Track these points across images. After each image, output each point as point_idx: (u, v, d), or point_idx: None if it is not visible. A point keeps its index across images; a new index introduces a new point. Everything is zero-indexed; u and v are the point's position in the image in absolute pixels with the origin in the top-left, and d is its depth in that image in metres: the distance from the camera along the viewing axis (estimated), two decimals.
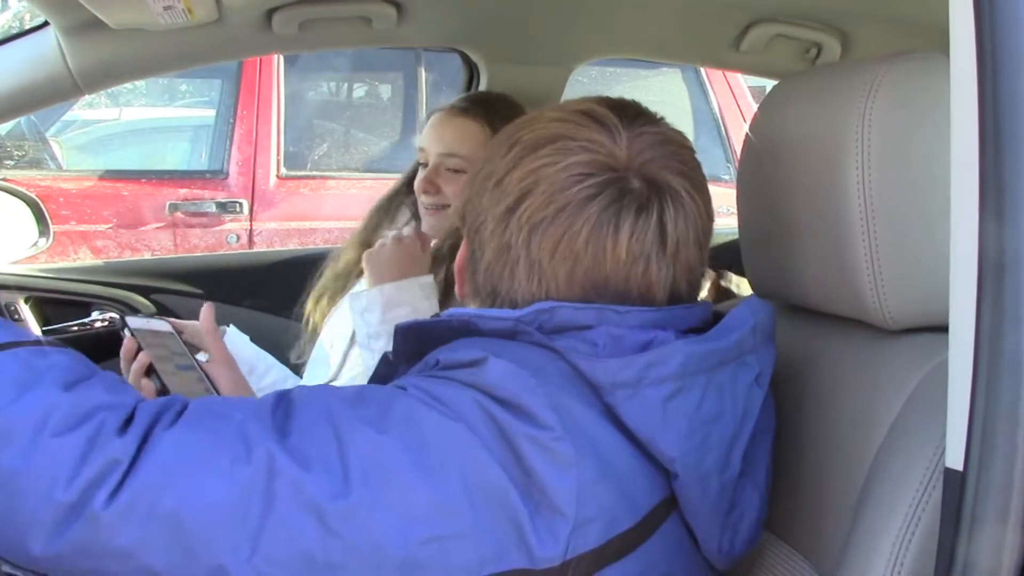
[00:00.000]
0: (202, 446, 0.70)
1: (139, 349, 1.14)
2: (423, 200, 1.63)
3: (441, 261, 1.58)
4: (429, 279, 1.51)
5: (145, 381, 1.21)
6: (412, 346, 0.90)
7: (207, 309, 1.31)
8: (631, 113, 0.87)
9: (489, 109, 1.64)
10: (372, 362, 1.46)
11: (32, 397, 0.69)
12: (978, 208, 0.61)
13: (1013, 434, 0.60)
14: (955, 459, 0.63)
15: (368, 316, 1.47)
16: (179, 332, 1.45)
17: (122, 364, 1.22)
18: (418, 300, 1.47)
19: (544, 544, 0.71)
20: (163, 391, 1.18)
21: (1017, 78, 0.61)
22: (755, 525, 0.85)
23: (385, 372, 0.98)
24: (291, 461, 0.69)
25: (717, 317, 0.88)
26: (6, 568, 0.76)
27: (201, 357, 1.54)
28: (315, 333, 1.71)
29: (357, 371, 1.55)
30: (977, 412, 0.61)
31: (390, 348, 1.43)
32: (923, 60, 0.89)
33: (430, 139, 1.64)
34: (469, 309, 0.87)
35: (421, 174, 1.64)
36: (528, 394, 0.74)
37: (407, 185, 1.74)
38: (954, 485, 0.63)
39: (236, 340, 1.62)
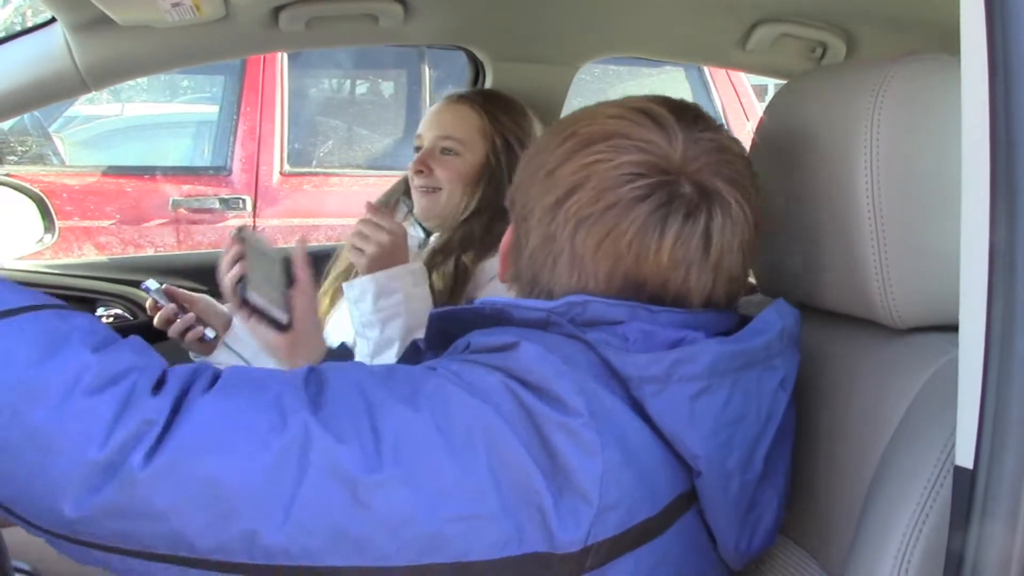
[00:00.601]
0: (240, 412, 0.70)
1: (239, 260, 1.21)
2: (416, 182, 1.64)
3: (450, 252, 1.58)
4: (418, 265, 1.52)
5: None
6: (442, 334, 0.91)
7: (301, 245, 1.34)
8: (690, 116, 0.87)
9: (488, 99, 1.67)
10: (367, 351, 1.48)
11: (62, 357, 0.69)
12: (989, 207, 0.61)
13: None
14: (965, 457, 0.63)
15: (361, 305, 1.48)
16: (191, 304, 1.60)
17: (223, 267, 1.27)
18: (409, 287, 1.48)
19: (566, 528, 0.71)
20: (245, 304, 1.23)
21: None
22: (772, 527, 0.86)
23: (413, 359, 0.99)
24: (326, 432, 0.70)
25: (743, 320, 0.89)
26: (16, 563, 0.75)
27: (209, 333, 1.61)
28: None
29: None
30: (987, 410, 0.62)
31: (383, 336, 1.46)
32: (931, 61, 0.89)
33: (427, 125, 1.67)
34: (502, 298, 0.87)
35: (415, 157, 1.67)
36: (558, 379, 0.74)
37: (405, 181, 1.75)
38: (964, 483, 0.64)
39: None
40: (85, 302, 2.12)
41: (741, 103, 4.14)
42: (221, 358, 1.65)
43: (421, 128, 1.69)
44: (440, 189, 1.63)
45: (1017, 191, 0.60)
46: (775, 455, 0.85)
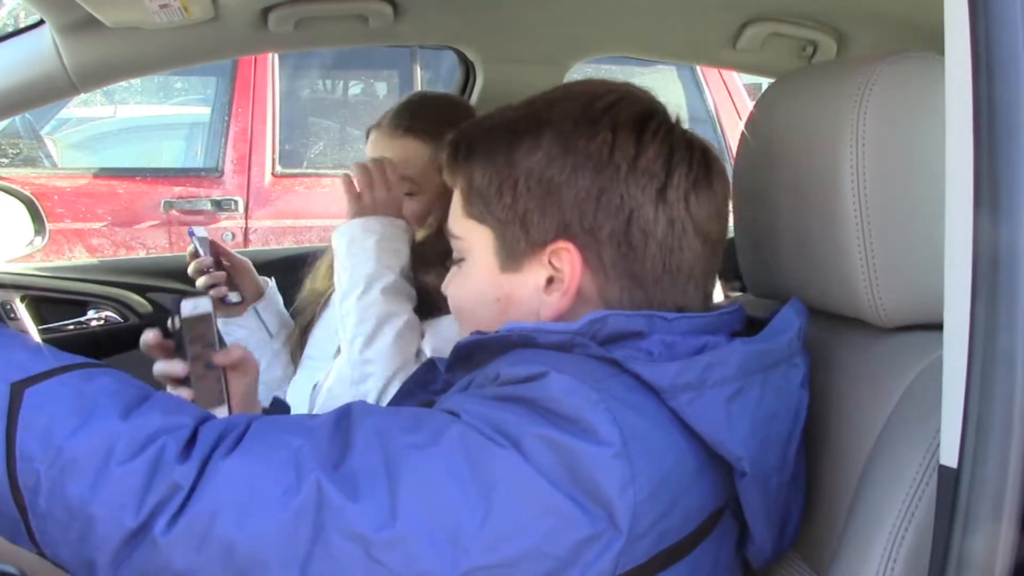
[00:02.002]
0: (256, 475, 0.72)
1: (180, 348, 1.08)
2: None
3: (432, 261, 1.51)
4: (400, 223, 1.49)
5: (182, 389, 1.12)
6: (465, 359, 0.90)
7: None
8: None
9: (432, 122, 1.56)
10: (338, 298, 1.46)
11: (92, 428, 0.71)
12: (973, 205, 0.61)
13: (1008, 431, 0.60)
14: (949, 456, 0.64)
15: (337, 254, 1.47)
16: (229, 263, 1.59)
17: (158, 368, 1.12)
18: (382, 231, 1.45)
19: (595, 562, 0.71)
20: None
21: (1012, 74, 0.61)
22: (798, 525, 0.87)
23: (426, 377, 0.99)
24: (339, 491, 0.70)
25: (751, 320, 0.90)
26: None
27: (233, 297, 1.60)
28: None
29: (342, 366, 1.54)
30: (971, 409, 0.62)
31: (353, 279, 1.42)
32: (917, 59, 0.89)
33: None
34: (527, 324, 0.86)
35: None
36: (591, 410, 0.73)
37: None
38: (948, 482, 0.64)
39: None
40: (76, 304, 2.12)
41: (733, 102, 4.14)
42: (248, 322, 1.66)
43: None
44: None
45: (1000, 190, 0.60)
46: (800, 453, 0.86)
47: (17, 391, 0.72)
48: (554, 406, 0.74)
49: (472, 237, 0.92)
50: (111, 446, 0.70)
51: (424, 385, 1.00)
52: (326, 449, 0.73)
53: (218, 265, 1.62)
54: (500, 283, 0.90)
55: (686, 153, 0.87)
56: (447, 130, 1.50)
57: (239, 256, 1.68)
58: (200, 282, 1.60)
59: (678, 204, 0.85)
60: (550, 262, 0.87)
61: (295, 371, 1.68)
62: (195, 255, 1.62)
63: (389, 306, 1.42)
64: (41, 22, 1.49)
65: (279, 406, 1.21)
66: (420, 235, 1.55)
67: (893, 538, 0.75)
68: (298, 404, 1.56)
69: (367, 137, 1.64)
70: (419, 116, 1.58)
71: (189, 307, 1.07)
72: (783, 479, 0.83)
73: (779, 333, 0.86)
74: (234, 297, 1.63)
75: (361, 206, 1.47)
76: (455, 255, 0.95)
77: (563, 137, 0.86)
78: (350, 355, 1.44)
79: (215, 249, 1.64)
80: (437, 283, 1.47)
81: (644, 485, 0.72)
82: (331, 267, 1.60)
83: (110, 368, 0.79)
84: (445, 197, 1.50)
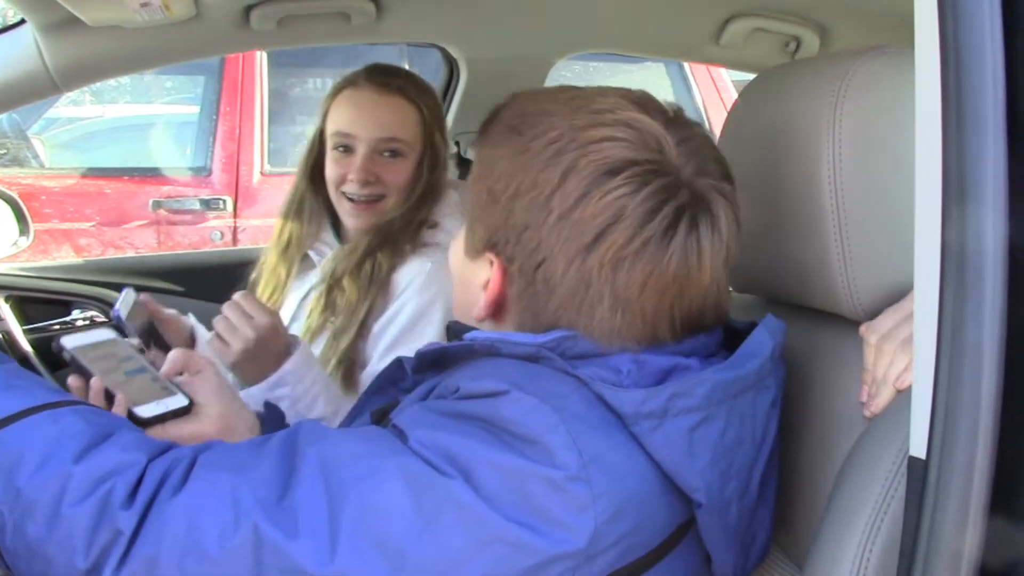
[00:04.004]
0: (195, 518, 0.73)
1: (85, 374, 1.04)
2: (357, 192, 1.50)
3: (365, 256, 1.48)
4: (299, 358, 1.35)
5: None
6: (430, 364, 0.90)
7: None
8: (657, 111, 0.84)
9: (418, 87, 1.54)
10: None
11: (49, 469, 0.75)
12: (941, 199, 0.62)
13: (974, 423, 0.61)
14: (918, 448, 0.64)
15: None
16: (162, 324, 1.40)
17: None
18: (290, 389, 1.34)
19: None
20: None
21: (979, 71, 0.62)
22: (765, 544, 0.87)
23: (395, 375, 0.99)
24: (277, 529, 0.71)
25: (728, 331, 0.89)
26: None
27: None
28: None
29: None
30: (939, 401, 0.62)
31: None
32: (893, 55, 0.90)
33: (362, 123, 1.49)
34: (491, 333, 0.85)
35: (341, 161, 1.51)
36: (550, 433, 0.73)
37: (311, 180, 1.59)
38: (917, 472, 0.64)
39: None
40: (61, 304, 2.12)
41: (721, 98, 4.15)
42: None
43: (347, 125, 1.50)
44: (385, 196, 1.51)
45: (967, 183, 0.61)
46: (767, 474, 0.85)
47: None
48: (511, 427, 0.74)
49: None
50: (63, 488, 0.74)
51: (394, 382, 1.00)
52: (269, 483, 0.74)
53: (150, 335, 1.43)
54: (463, 263, 0.91)
55: (642, 218, 0.78)
56: (424, 95, 1.53)
57: (168, 314, 1.49)
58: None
59: (598, 270, 0.79)
60: (491, 266, 0.86)
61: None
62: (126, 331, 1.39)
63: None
64: (23, 21, 1.49)
65: (272, 411, 1.19)
66: (394, 208, 1.49)
67: (869, 529, 0.76)
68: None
69: (328, 104, 1.55)
70: (408, 79, 1.55)
71: (76, 340, 1.06)
72: (746, 505, 0.82)
73: (750, 359, 0.83)
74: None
75: (239, 359, 1.34)
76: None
77: (528, 156, 0.82)
78: None
79: (152, 312, 1.45)
80: (389, 271, 1.44)
81: (606, 506, 0.72)
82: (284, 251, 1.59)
83: (80, 404, 0.82)
84: (420, 165, 1.50)
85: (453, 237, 0.96)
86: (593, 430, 0.75)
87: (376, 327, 1.48)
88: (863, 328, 0.87)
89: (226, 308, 1.36)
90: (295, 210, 1.63)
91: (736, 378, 0.81)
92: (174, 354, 1.08)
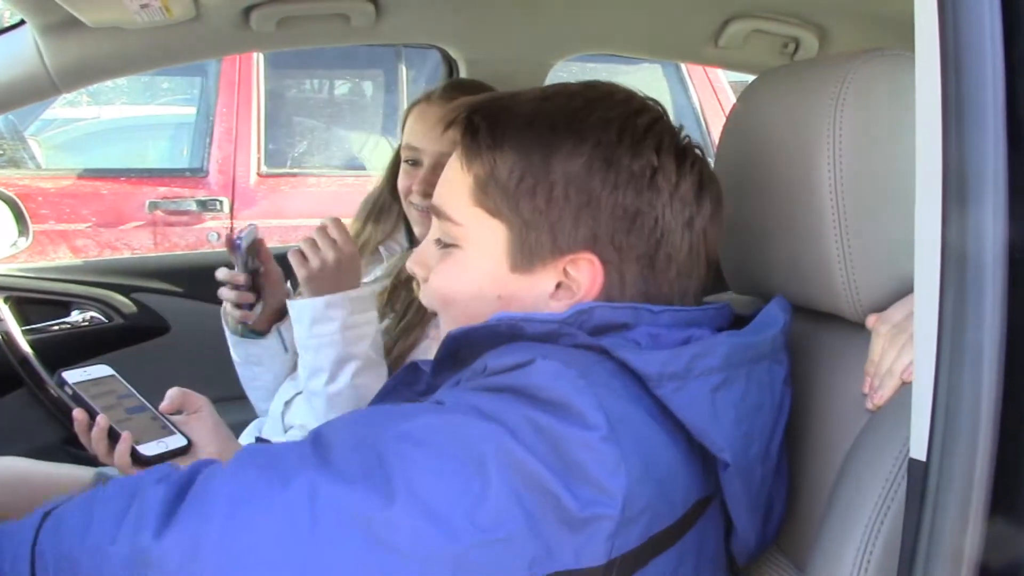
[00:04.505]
0: (246, 481, 0.73)
1: (89, 411, 1.06)
2: (418, 202, 1.53)
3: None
4: (364, 292, 1.44)
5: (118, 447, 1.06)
6: (453, 356, 0.89)
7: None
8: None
9: None
10: (302, 373, 1.44)
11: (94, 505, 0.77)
12: (941, 200, 0.62)
13: (975, 424, 0.61)
14: (919, 449, 0.64)
15: (298, 327, 1.43)
16: (267, 273, 1.47)
17: (81, 439, 1.08)
18: (346, 316, 1.40)
19: (591, 543, 0.71)
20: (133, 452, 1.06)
21: (979, 72, 0.62)
22: (780, 518, 0.88)
23: (409, 378, 0.99)
24: (333, 481, 0.71)
25: (737, 317, 0.91)
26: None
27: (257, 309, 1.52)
28: None
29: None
30: (939, 403, 0.62)
31: (314, 363, 1.40)
32: (892, 57, 0.90)
33: (426, 137, 1.51)
34: (515, 313, 0.84)
35: (410, 173, 1.54)
36: (577, 395, 0.73)
37: (391, 187, 1.64)
38: (917, 474, 0.64)
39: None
40: (60, 305, 2.11)
41: (718, 99, 4.15)
42: (269, 341, 1.57)
43: (414, 139, 1.54)
44: None
45: (967, 184, 0.61)
46: (782, 448, 0.86)
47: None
48: (541, 393, 0.74)
49: (478, 228, 0.87)
50: (104, 505, 0.76)
51: (408, 384, 1.00)
52: (311, 455, 0.74)
53: (252, 279, 1.52)
54: (506, 282, 0.87)
55: (710, 184, 0.88)
56: None
57: (276, 268, 1.56)
58: (225, 295, 1.52)
59: (700, 233, 0.87)
60: (565, 269, 0.86)
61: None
62: (233, 260, 1.52)
63: (359, 391, 1.40)
64: (22, 22, 1.49)
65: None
66: None
67: (870, 531, 0.76)
68: (273, 420, 1.57)
69: (406, 117, 1.58)
70: (469, 93, 1.53)
71: (77, 375, 1.09)
72: (766, 471, 0.83)
73: (765, 328, 0.87)
74: (257, 310, 1.53)
75: (312, 276, 1.41)
76: (445, 238, 0.90)
77: (606, 149, 0.84)
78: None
79: (258, 254, 1.52)
80: None
81: (635, 465, 0.73)
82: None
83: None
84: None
85: None
86: (616, 396, 0.76)
87: None
88: (872, 318, 0.87)
89: (315, 231, 1.42)
90: (374, 214, 1.67)
91: (751, 343, 0.84)
92: (172, 392, 1.11)
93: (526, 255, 0.86)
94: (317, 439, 0.77)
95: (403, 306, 1.53)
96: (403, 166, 1.58)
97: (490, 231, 0.87)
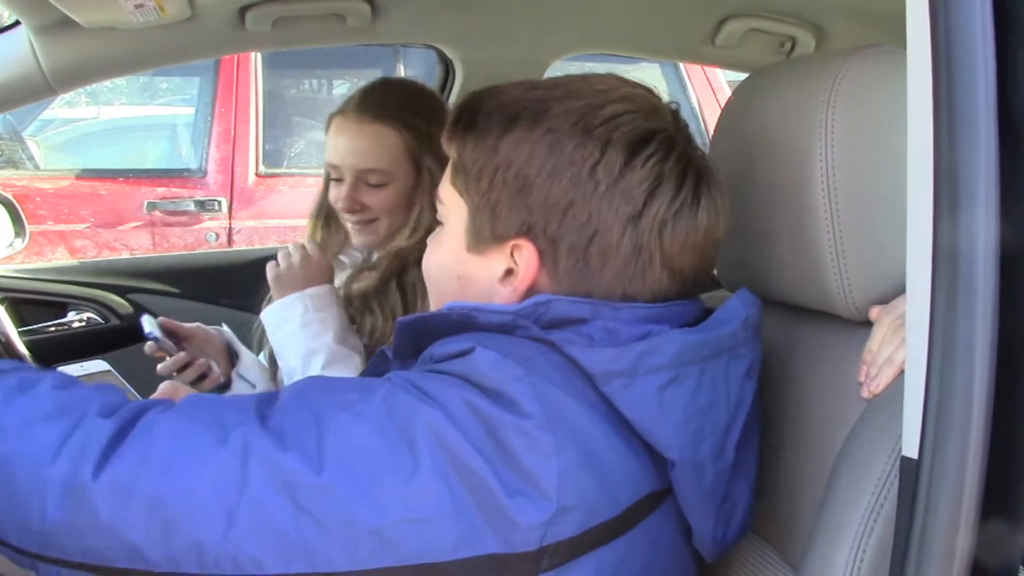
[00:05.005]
0: (185, 431, 0.74)
1: None
2: (348, 218, 1.52)
3: (388, 277, 1.51)
4: (323, 289, 1.46)
5: None
6: (411, 342, 0.90)
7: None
8: (644, 87, 0.91)
9: (402, 109, 1.49)
10: (284, 380, 1.46)
11: (25, 398, 0.76)
12: (933, 198, 0.62)
13: (966, 423, 0.61)
14: (911, 448, 0.64)
15: (268, 334, 1.46)
16: (189, 339, 1.45)
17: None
18: (299, 315, 1.43)
19: (521, 529, 0.72)
20: None
21: (971, 71, 0.62)
22: (745, 516, 0.87)
23: (380, 368, 0.98)
24: (267, 441, 0.72)
25: (707, 311, 0.90)
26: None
27: (216, 373, 1.51)
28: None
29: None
30: (931, 401, 0.62)
31: (285, 365, 1.42)
32: (886, 54, 0.90)
33: (341, 153, 1.49)
34: (468, 303, 0.85)
35: (336, 187, 1.52)
36: (514, 383, 0.75)
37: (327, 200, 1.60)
38: (909, 473, 0.64)
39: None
40: (57, 306, 2.11)
41: (717, 99, 4.14)
42: (236, 387, 1.57)
43: (334, 156, 1.50)
44: (377, 219, 1.50)
45: (958, 182, 0.61)
46: (745, 445, 0.85)
47: None
48: (479, 379, 0.76)
49: (452, 207, 0.91)
50: (37, 409, 0.74)
51: (379, 375, 1.00)
52: (252, 409, 0.75)
53: (178, 346, 1.51)
54: (463, 261, 0.90)
55: (676, 181, 0.84)
56: (416, 119, 1.49)
57: (189, 327, 1.56)
58: (184, 377, 1.48)
59: (649, 233, 0.83)
60: (512, 255, 0.87)
61: None
62: (158, 351, 1.48)
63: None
64: (17, 23, 1.48)
65: None
66: (405, 239, 1.50)
67: (862, 529, 0.76)
68: None
69: (327, 128, 1.55)
70: (388, 103, 1.50)
71: (73, 371, 1.08)
72: (720, 469, 0.82)
73: (722, 323, 0.86)
74: (216, 372, 1.53)
75: (282, 284, 1.46)
76: (438, 217, 0.94)
77: (554, 137, 0.85)
78: None
79: (173, 332, 1.52)
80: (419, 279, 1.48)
81: (569, 457, 0.74)
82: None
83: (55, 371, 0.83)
84: (416, 187, 1.48)
85: None
86: (556, 388, 0.77)
87: None
88: (876, 310, 0.87)
89: (294, 250, 1.47)
90: (322, 221, 1.65)
91: (705, 340, 0.83)
92: (164, 386, 1.12)
93: (475, 237, 0.89)
94: (262, 397, 0.78)
95: (367, 331, 1.53)
96: (330, 181, 1.55)
97: (456, 211, 0.90)
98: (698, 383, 0.81)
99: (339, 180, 1.51)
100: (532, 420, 0.73)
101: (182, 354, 1.49)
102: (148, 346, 1.48)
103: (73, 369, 1.08)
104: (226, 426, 0.74)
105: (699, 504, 0.82)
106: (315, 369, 1.41)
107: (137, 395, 1.11)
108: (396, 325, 0.91)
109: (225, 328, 1.62)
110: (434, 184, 1.49)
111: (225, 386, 1.55)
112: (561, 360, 0.79)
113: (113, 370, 1.12)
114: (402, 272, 1.51)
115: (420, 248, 1.46)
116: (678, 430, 0.79)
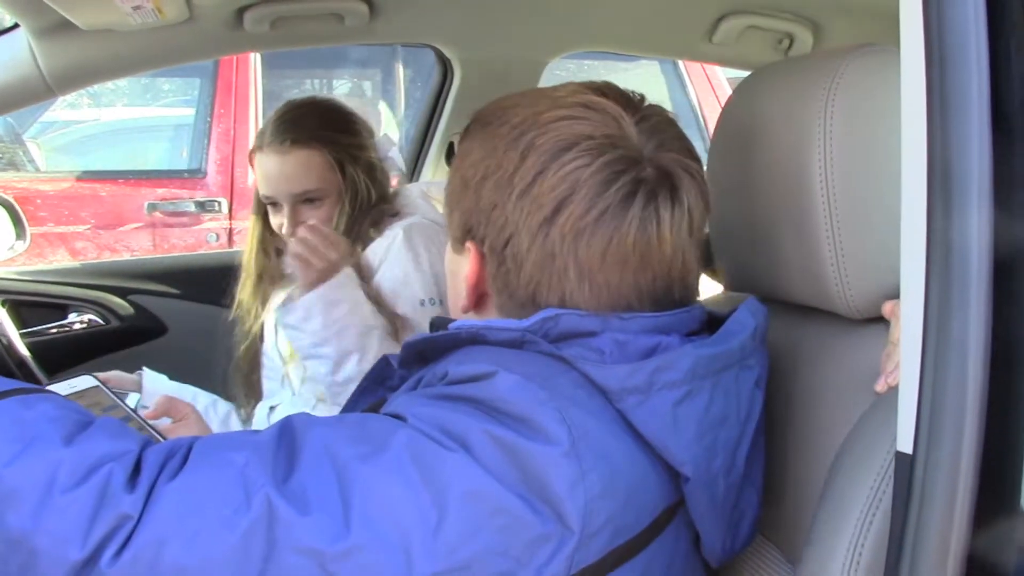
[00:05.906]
0: (203, 497, 0.70)
1: None
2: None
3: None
4: (350, 270, 1.49)
5: None
6: (416, 360, 0.90)
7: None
8: (617, 95, 0.87)
9: (315, 127, 1.55)
10: (325, 369, 1.45)
11: (34, 454, 0.69)
12: (926, 194, 0.62)
13: (960, 417, 0.61)
14: (905, 443, 0.64)
15: (309, 324, 1.44)
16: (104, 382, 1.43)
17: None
18: (351, 293, 1.45)
19: (551, 560, 0.71)
20: None
21: (963, 68, 0.62)
22: (753, 524, 0.87)
23: (383, 372, 0.98)
24: (289, 506, 0.69)
25: (712, 317, 0.90)
26: None
27: (165, 421, 1.41)
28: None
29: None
30: (925, 396, 0.62)
31: (340, 350, 1.42)
32: (882, 52, 0.90)
33: (275, 185, 1.54)
34: (476, 321, 0.86)
35: (275, 212, 1.57)
36: (539, 408, 0.73)
37: (265, 222, 1.64)
38: (904, 468, 0.64)
39: (154, 380, 1.60)
40: (57, 308, 2.12)
41: (716, 96, 4.15)
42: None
43: (264, 188, 1.56)
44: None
45: (952, 178, 0.61)
46: (753, 454, 0.85)
47: None
48: (502, 406, 0.74)
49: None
50: (54, 474, 0.68)
51: (381, 381, 0.99)
52: (272, 464, 0.72)
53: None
54: (451, 260, 0.94)
55: (598, 188, 0.81)
56: (331, 132, 1.54)
57: (106, 375, 1.56)
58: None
59: (560, 241, 0.82)
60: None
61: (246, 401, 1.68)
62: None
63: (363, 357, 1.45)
64: (16, 26, 1.49)
65: None
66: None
67: (861, 526, 0.76)
68: (258, 426, 1.58)
69: (251, 163, 1.60)
70: (300, 125, 1.55)
71: (62, 388, 1.06)
72: (732, 482, 0.82)
73: (732, 336, 0.85)
74: (166, 421, 1.44)
75: (311, 276, 1.46)
76: None
77: (491, 143, 0.86)
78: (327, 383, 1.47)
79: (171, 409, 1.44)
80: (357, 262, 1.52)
81: (595, 482, 0.73)
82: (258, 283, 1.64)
83: (49, 393, 0.78)
84: (343, 193, 1.53)
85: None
86: (580, 408, 0.76)
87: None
88: (890, 305, 0.87)
89: (306, 232, 1.46)
90: (260, 256, 1.69)
91: (718, 354, 0.82)
92: (159, 400, 1.14)
93: (452, 237, 0.92)
94: (281, 441, 0.75)
95: None
96: (269, 206, 1.60)
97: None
98: (711, 397, 0.80)
99: (276, 206, 1.57)
100: (559, 447, 0.72)
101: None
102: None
103: (62, 388, 1.06)
104: (248, 487, 0.70)
105: (710, 516, 0.82)
106: (373, 346, 1.43)
107: (124, 405, 1.10)
108: (403, 346, 0.90)
109: (144, 371, 1.62)
110: (357, 193, 1.55)
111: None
112: (579, 377, 0.78)
113: (102, 385, 1.11)
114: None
115: (350, 234, 1.52)
116: (692, 445, 0.78)
